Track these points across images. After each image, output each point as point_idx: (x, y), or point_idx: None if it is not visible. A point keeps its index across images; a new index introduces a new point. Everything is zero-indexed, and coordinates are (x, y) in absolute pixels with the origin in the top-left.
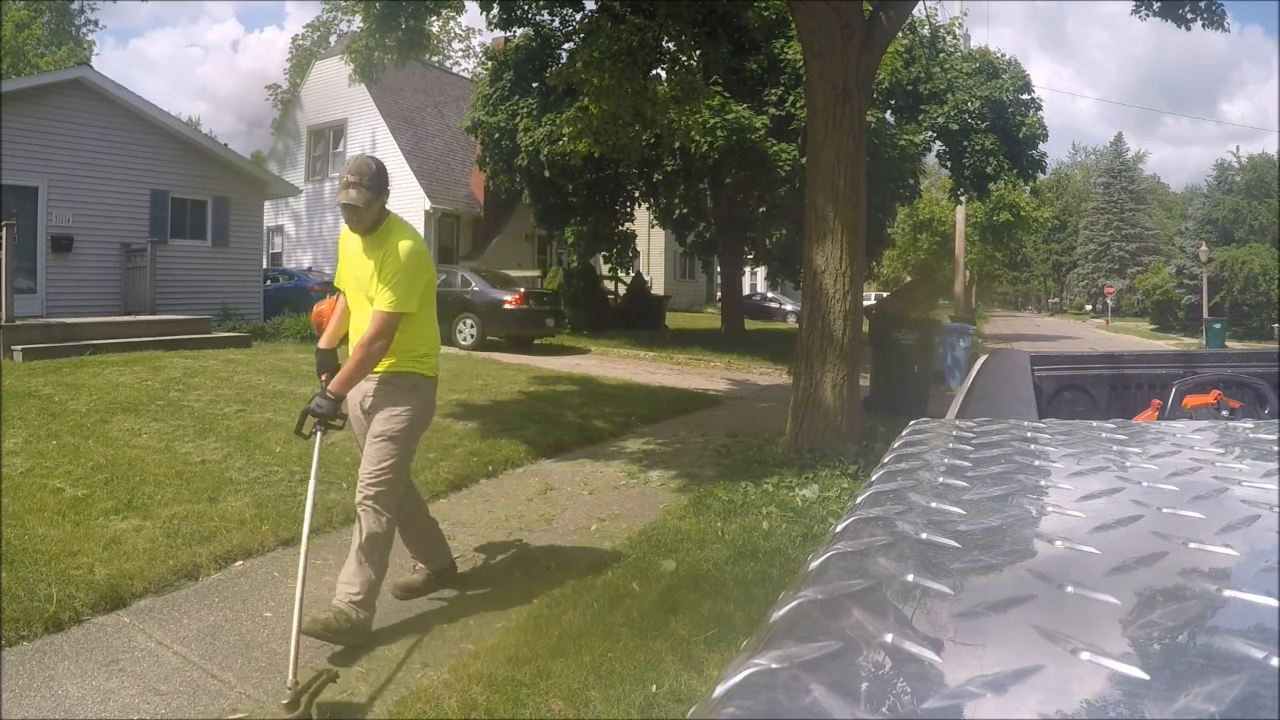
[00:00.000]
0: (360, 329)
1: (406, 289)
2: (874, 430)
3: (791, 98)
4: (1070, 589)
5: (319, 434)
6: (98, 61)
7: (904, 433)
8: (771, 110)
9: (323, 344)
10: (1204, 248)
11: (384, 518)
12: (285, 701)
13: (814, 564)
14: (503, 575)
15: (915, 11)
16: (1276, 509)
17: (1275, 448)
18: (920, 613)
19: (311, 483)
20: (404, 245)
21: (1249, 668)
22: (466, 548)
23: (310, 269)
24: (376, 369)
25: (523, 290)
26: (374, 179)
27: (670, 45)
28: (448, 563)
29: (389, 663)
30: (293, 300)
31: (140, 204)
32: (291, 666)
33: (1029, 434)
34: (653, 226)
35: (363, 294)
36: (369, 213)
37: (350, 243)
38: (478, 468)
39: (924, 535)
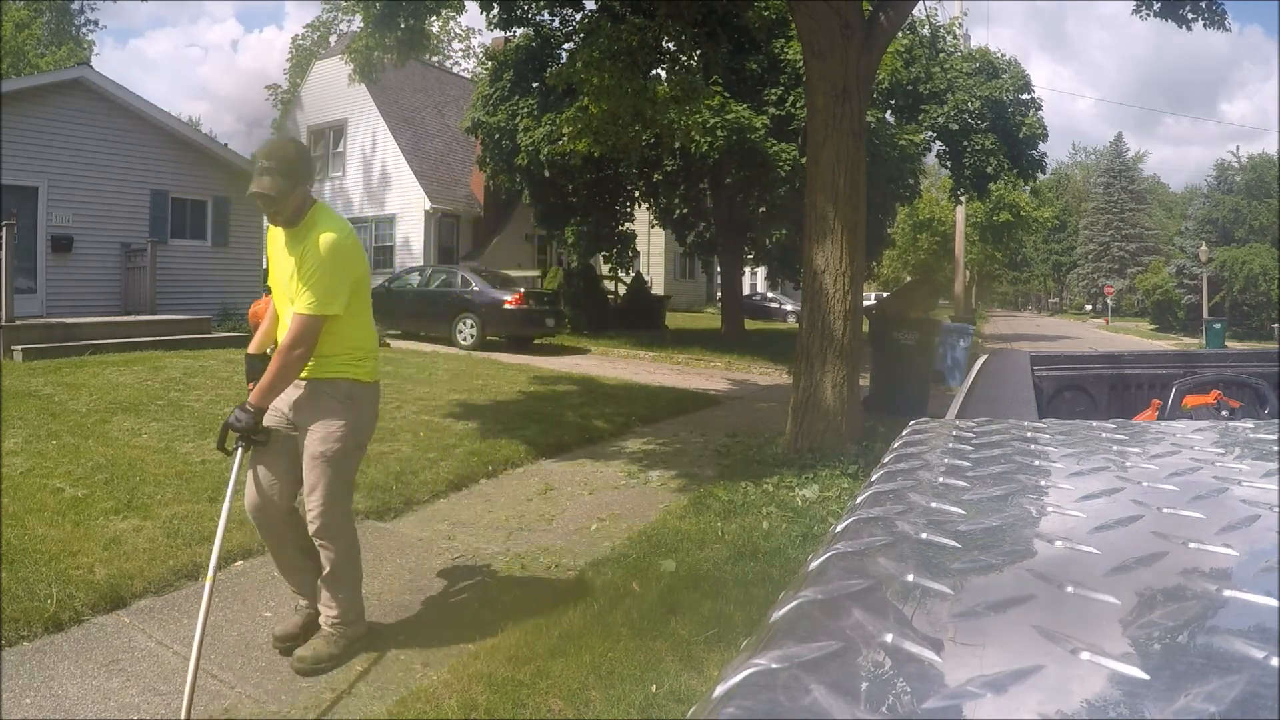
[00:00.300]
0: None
1: (328, 288)
2: (874, 430)
3: (791, 98)
4: (1070, 589)
5: (239, 450)
6: (98, 61)
7: (904, 433)
8: (771, 110)
9: (252, 348)
10: (1204, 248)
11: (341, 544)
12: None
13: (814, 564)
14: (503, 575)
15: (915, 11)
16: (1276, 509)
17: (1275, 448)
18: (920, 613)
19: (226, 504)
20: (325, 239)
21: (1249, 668)
22: (467, 548)
23: None
24: (306, 375)
25: (523, 290)
26: (290, 164)
27: (670, 45)
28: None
29: (388, 663)
30: None
31: (140, 204)
32: (185, 707)
33: (1029, 434)
34: (653, 226)
35: (286, 294)
36: (287, 202)
37: (276, 237)
38: (478, 468)
39: (924, 535)
